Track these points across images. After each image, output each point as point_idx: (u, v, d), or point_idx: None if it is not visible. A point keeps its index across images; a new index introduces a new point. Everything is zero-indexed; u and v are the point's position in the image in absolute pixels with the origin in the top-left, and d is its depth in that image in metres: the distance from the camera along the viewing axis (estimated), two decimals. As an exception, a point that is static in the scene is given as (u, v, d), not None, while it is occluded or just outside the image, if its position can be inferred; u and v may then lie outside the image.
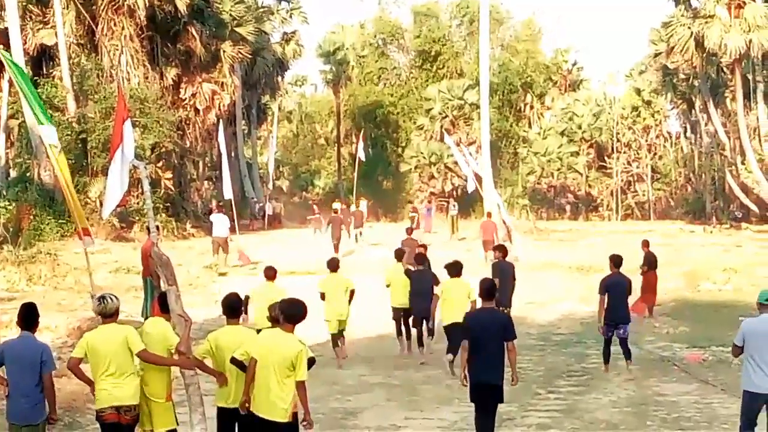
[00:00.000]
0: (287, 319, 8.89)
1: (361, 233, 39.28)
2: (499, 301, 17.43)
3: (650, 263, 22.60)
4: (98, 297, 9.34)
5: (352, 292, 17.09)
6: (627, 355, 16.00)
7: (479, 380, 10.65)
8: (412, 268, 17.99)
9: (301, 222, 52.86)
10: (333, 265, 17.35)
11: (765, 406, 10.08)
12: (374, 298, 20.73)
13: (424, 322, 17.53)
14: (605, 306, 15.65)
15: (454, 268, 16.26)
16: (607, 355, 16.10)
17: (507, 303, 17.73)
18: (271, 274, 15.91)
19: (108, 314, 9.17)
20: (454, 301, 15.78)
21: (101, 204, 27.78)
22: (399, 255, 18.65)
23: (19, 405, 8.95)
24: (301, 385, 8.73)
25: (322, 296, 16.88)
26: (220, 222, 30.49)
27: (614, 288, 15.80)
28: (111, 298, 9.21)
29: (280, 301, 9.25)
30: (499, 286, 17.60)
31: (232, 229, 32.29)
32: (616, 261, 16.26)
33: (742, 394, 10.30)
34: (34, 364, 8.99)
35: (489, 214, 34.22)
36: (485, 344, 10.58)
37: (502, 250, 19.05)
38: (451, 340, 15.54)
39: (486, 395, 10.71)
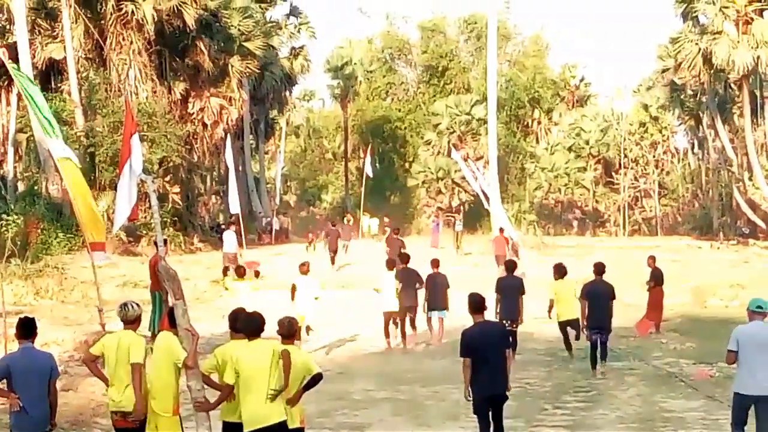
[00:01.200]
0: (247, 335, 9.16)
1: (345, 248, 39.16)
2: (501, 315, 17.61)
3: (657, 279, 22.57)
4: (121, 304, 9.86)
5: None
6: (603, 355, 17.08)
7: (490, 393, 10.65)
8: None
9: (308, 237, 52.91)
10: (304, 269, 19.50)
11: (753, 408, 10.42)
12: (379, 314, 20.74)
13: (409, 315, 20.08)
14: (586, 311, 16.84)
15: (559, 270, 18.22)
16: (593, 360, 17.01)
17: (511, 317, 17.72)
18: (241, 272, 19.46)
19: (129, 320, 9.66)
20: (564, 300, 17.79)
21: (109, 218, 27.83)
22: (388, 264, 20.71)
23: (32, 415, 8.97)
24: (284, 354, 9.00)
25: (293, 289, 19.10)
26: (229, 238, 30.82)
27: (594, 294, 16.78)
28: (132, 305, 9.75)
29: (238, 319, 9.66)
30: (501, 302, 18.01)
31: (240, 244, 32.38)
32: (598, 269, 17.32)
33: (732, 395, 10.68)
34: (44, 374, 9.07)
35: (501, 230, 34.09)
36: (489, 357, 10.60)
37: (506, 265, 19.28)
38: (565, 336, 18.18)
39: (492, 406, 10.75)
